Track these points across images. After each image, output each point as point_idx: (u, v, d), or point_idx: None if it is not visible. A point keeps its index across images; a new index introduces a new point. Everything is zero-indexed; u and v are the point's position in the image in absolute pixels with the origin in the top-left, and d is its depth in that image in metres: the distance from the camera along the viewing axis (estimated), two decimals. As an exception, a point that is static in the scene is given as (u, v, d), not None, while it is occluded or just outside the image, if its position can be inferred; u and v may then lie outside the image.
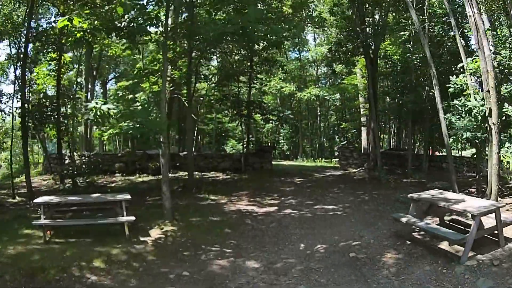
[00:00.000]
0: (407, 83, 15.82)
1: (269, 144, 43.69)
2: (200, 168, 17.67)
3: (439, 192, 8.46)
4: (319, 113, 33.15)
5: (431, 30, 14.99)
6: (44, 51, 14.79)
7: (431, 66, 12.54)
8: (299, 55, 31.31)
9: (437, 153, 20.40)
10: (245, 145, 18.02)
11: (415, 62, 16.64)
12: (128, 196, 8.34)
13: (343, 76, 25.75)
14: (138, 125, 8.18)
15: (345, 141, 28.87)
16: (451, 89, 11.90)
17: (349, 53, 17.18)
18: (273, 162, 25.26)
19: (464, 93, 13.30)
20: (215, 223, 9.17)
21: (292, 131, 34.92)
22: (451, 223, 8.41)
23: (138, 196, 12.49)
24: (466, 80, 12.78)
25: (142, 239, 8.05)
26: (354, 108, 28.97)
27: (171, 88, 17.97)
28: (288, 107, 32.56)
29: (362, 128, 23.80)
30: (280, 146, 37.33)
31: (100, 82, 30.22)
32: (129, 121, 8.48)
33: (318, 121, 33.83)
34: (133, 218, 8.06)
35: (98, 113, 8.31)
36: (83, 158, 19.95)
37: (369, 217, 9.42)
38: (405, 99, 15.01)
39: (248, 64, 18.59)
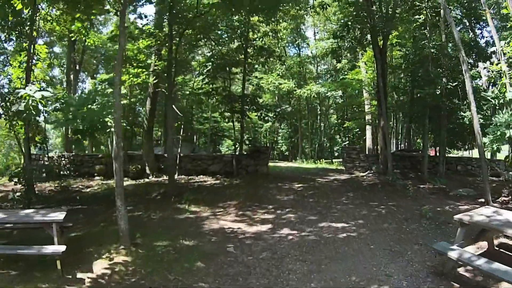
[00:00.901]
0: (424, 75, 13.20)
1: (268, 144, 41.28)
2: (188, 171, 15.13)
3: (493, 211, 5.86)
4: (319, 112, 30.53)
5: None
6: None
7: (461, 49, 9.96)
8: (298, 51, 28.75)
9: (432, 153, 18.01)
10: (238, 146, 15.38)
11: (432, 51, 14.06)
12: (61, 216, 5.77)
13: (346, 72, 23.15)
14: (71, 116, 5.57)
15: (347, 141, 26.26)
16: (484, 77, 9.27)
17: (356, 41, 14.54)
18: (271, 164, 22.61)
19: (499, 82, 10.73)
20: (186, 250, 6.57)
21: (291, 130, 32.33)
22: (501, 250, 6.00)
23: (106, 206, 10.08)
24: (501, 67, 10.24)
25: (79, 276, 5.55)
26: (358, 106, 26.37)
27: (154, 81, 15.45)
28: (285, 104, 30.00)
29: (367, 127, 21.18)
30: (279, 146, 34.72)
31: (90, 77, 27.67)
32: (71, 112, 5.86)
33: (318, 121, 31.21)
34: (62, 248, 5.48)
35: (31, 102, 5.74)
36: (62, 159, 17.60)
37: (392, 240, 6.82)
38: (424, 92, 12.37)
39: (242, 55, 16.02)
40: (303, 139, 31.26)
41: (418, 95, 12.99)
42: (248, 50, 16.27)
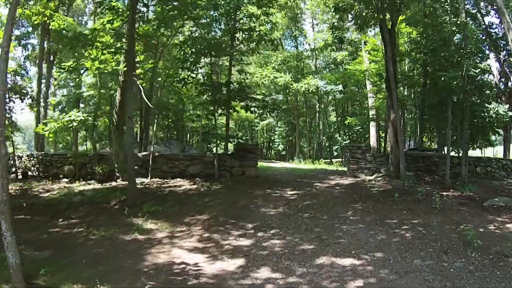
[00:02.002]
0: (448, 55, 10.27)
1: (264, 143, 38.30)
2: (163, 174, 12.29)
3: None
4: (318, 109, 27.60)
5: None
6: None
7: (504, 13, 7.05)
8: (295, 43, 25.79)
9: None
10: (221, 143, 12.50)
11: (454, 29, 11.16)
12: None
13: (348, 64, 20.20)
14: None
15: (348, 140, 23.35)
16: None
17: (361, 18, 11.62)
18: (264, 164, 19.67)
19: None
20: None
21: (289, 129, 29.42)
22: None
23: (50, 217, 8.05)
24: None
25: None
26: (360, 102, 23.48)
27: (124, 69, 12.60)
28: (283, 102, 27.08)
29: (371, 123, 18.27)
30: (276, 145, 31.84)
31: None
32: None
33: (317, 118, 28.28)
34: None
35: None
36: (31, 159, 14.87)
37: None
38: (449, 75, 9.45)
39: (229, 39, 13.16)
40: (301, 138, 28.35)
41: (437, 81, 9.99)
42: (235, 34, 13.43)
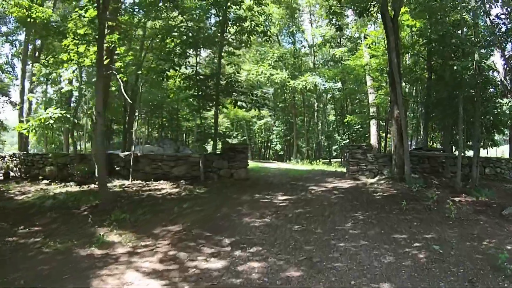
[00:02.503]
0: (460, 44, 8.97)
1: (263, 143, 36.94)
2: (146, 176, 11.11)
3: None
4: (316, 108, 26.29)
5: None
6: None
7: None
8: (292, 39, 24.44)
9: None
10: (208, 143, 11.23)
11: (465, 14, 9.88)
12: None
13: (344, 62, 18.92)
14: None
15: (347, 140, 22.05)
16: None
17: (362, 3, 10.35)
18: (258, 165, 18.45)
19: None
20: None
21: (286, 128, 28.13)
22: None
23: (12, 225, 6.93)
24: None
25: None
26: (360, 100, 22.20)
27: (105, 62, 11.38)
28: (280, 100, 25.89)
29: (372, 122, 16.97)
30: (273, 145, 30.55)
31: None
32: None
33: (315, 117, 26.97)
34: None
35: None
36: (13, 159, 13.78)
37: None
38: (462, 64, 8.16)
39: (219, 31, 11.92)
40: (299, 138, 27.04)
41: (444, 74, 8.71)
42: (226, 26, 12.19)
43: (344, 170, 14.80)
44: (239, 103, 9.51)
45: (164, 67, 10.10)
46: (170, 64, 10.18)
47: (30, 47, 18.24)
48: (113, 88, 14.44)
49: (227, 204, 7.67)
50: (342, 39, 22.87)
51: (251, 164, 19.12)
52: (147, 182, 10.76)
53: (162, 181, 10.81)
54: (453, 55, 9.69)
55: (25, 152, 14.86)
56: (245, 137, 31.65)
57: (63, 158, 12.32)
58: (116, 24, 9.61)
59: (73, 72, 14.31)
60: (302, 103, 26.19)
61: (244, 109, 9.66)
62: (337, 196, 8.19)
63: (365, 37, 17.40)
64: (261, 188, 9.36)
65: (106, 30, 10.51)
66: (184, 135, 30.15)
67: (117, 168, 11.74)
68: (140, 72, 10.36)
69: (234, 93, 9.65)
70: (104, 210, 7.76)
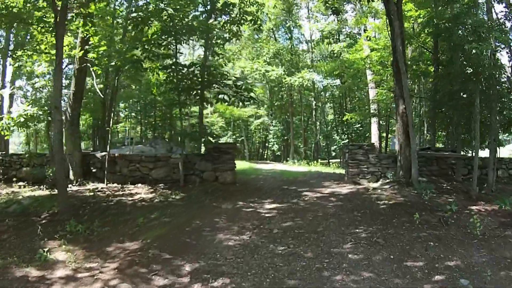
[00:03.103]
0: (477, 26, 7.57)
1: (260, 143, 35.45)
2: (123, 178, 9.81)
3: None
4: (314, 106, 24.89)
5: None
6: None
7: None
8: (289, 35, 22.99)
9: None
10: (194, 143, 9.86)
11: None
12: None
13: (343, 56, 17.50)
14: None
15: (347, 139, 20.65)
16: None
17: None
18: (254, 166, 17.04)
19: None
20: None
21: (283, 128, 26.72)
22: None
23: None
24: None
25: None
26: (358, 98, 20.81)
27: (79, 54, 10.07)
28: (276, 98, 24.52)
29: (372, 120, 15.57)
30: (270, 145, 29.14)
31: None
32: None
33: (313, 116, 25.55)
34: None
35: None
36: None
37: None
38: (480, 48, 6.77)
39: (206, 19, 10.56)
40: (296, 138, 25.67)
41: (455, 62, 7.33)
42: (214, 15, 10.86)
43: (343, 172, 13.42)
44: (220, 95, 8.11)
45: (140, 57, 8.74)
46: (147, 53, 8.81)
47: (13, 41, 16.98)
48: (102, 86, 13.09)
49: (202, 214, 6.30)
50: (340, 34, 21.52)
51: (245, 165, 17.78)
52: (124, 186, 9.44)
53: (139, 185, 9.49)
54: (470, 38, 8.28)
55: (3, 153, 13.53)
56: (242, 137, 30.29)
57: (39, 159, 10.99)
58: (81, 8, 8.23)
59: (48, 66, 12.98)
60: (300, 102, 24.80)
61: (226, 103, 8.26)
62: (334, 205, 6.80)
63: (364, 30, 16.03)
64: (247, 194, 7.98)
65: (76, 17, 9.23)
66: (179, 137, 28.77)
67: (94, 170, 10.39)
68: (113, 63, 9.02)
69: (215, 85, 8.25)
70: (62, 219, 6.49)
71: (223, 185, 9.00)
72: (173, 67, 8.63)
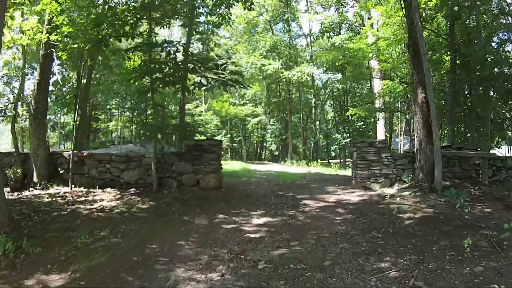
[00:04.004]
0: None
1: (258, 143, 33.37)
2: (91, 181, 8.11)
3: None
4: (314, 104, 23.09)
5: None
6: None
7: None
8: (287, 28, 21.14)
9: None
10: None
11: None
12: None
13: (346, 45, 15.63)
14: None
15: (349, 138, 18.82)
16: None
17: None
18: (248, 167, 15.22)
19: None
20: None
21: (282, 127, 24.92)
22: None
23: None
24: None
25: None
26: (360, 94, 19.02)
27: (45, 38, 8.34)
28: (273, 95, 22.76)
29: (379, 116, 13.76)
30: (268, 145, 27.33)
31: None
32: None
33: (312, 115, 23.76)
34: None
35: None
36: None
37: None
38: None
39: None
40: (294, 137, 23.86)
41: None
42: None
43: (347, 173, 11.63)
44: (196, 78, 6.31)
45: (105, 36, 6.96)
46: (112, 30, 7.01)
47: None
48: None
49: (165, 233, 4.50)
50: (341, 28, 19.74)
51: (239, 165, 15.96)
52: (91, 190, 7.71)
53: (108, 189, 7.75)
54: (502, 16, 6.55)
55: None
56: (240, 137, 28.49)
57: (7, 158, 9.24)
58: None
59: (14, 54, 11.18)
60: (299, 99, 22.99)
61: (204, 88, 6.42)
62: (343, 219, 4.99)
63: (368, 18, 14.26)
64: (232, 203, 6.18)
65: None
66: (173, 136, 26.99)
67: (61, 171, 8.60)
68: (76, 45, 7.27)
69: (200, 71, 6.40)
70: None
71: (204, 190, 7.20)
72: (144, 46, 6.83)
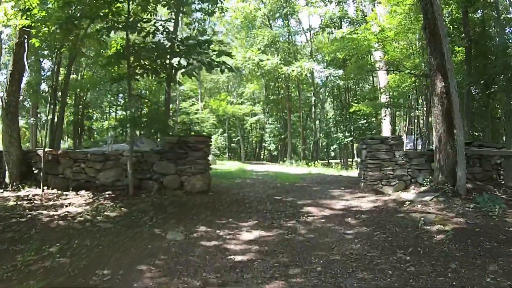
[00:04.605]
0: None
1: (257, 143, 32.10)
2: (66, 182, 7.02)
3: None
4: (314, 102, 21.97)
5: None
6: None
7: None
8: (285, 21, 19.99)
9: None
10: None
11: None
12: None
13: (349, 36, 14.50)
14: None
15: (351, 137, 17.71)
16: None
17: None
18: (245, 167, 13.90)
19: None
20: None
21: (280, 126, 23.78)
22: None
23: None
24: None
25: None
26: (361, 90, 17.93)
27: (19, 25, 7.21)
28: (272, 92, 21.67)
29: (384, 113, 12.64)
30: (266, 145, 26.18)
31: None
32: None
33: (312, 113, 22.63)
34: None
35: None
36: None
37: None
38: None
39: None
40: (294, 136, 22.73)
41: None
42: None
43: (351, 173, 10.51)
44: (174, 59, 5.17)
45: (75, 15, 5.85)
46: (82, 7, 5.90)
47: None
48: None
49: (127, 251, 3.38)
50: (342, 22, 18.63)
51: (235, 166, 14.77)
52: (64, 193, 6.66)
53: (82, 192, 6.68)
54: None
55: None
56: (238, 137, 27.34)
57: None
58: None
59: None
60: (298, 98, 21.86)
61: (184, 71, 5.28)
62: (356, 234, 3.86)
63: (372, 10, 13.17)
64: (219, 211, 5.05)
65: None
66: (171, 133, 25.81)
67: (35, 171, 7.49)
68: (46, 28, 6.16)
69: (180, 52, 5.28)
70: None
71: (189, 194, 6.07)
72: (119, 25, 5.72)
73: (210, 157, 15.76)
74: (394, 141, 6.36)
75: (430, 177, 6.30)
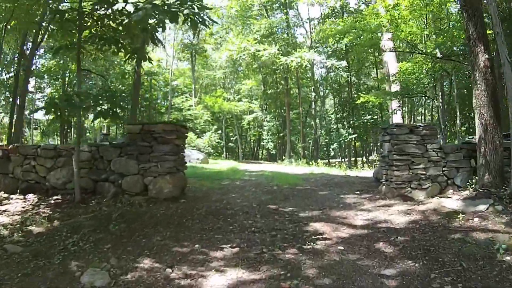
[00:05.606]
0: None
1: (255, 142, 30.28)
2: (15, 183, 5.35)
3: None
4: (314, 98, 20.32)
5: None
6: None
7: None
8: (284, 10, 18.36)
9: None
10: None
11: None
12: None
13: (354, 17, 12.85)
14: None
15: (354, 134, 16.08)
16: None
17: None
18: (239, 166, 11.97)
19: None
20: None
21: (279, 124, 22.12)
22: None
23: None
24: None
25: None
26: (367, 85, 16.34)
27: None
28: (269, 86, 20.06)
29: (394, 105, 10.99)
30: (264, 143, 24.51)
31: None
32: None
33: (312, 110, 20.99)
34: None
35: None
36: None
37: None
38: None
39: None
40: (293, 134, 21.06)
41: None
42: None
43: (360, 174, 8.85)
44: (119, 5, 3.59)
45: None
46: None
47: None
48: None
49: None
50: (344, 12, 17.03)
51: (228, 165, 12.97)
52: (11, 196, 5.18)
53: (30, 195, 5.14)
54: None
55: None
56: (236, 136, 25.67)
57: None
58: None
59: None
60: (298, 94, 20.22)
61: (134, 19, 3.71)
62: (401, 275, 2.23)
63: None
64: (186, 229, 3.41)
65: None
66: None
67: (12, 176, 5.87)
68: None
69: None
70: None
71: (153, 201, 4.43)
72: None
73: (201, 156, 13.85)
74: (427, 131, 4.70)
75: (466, 175, 4.65)
